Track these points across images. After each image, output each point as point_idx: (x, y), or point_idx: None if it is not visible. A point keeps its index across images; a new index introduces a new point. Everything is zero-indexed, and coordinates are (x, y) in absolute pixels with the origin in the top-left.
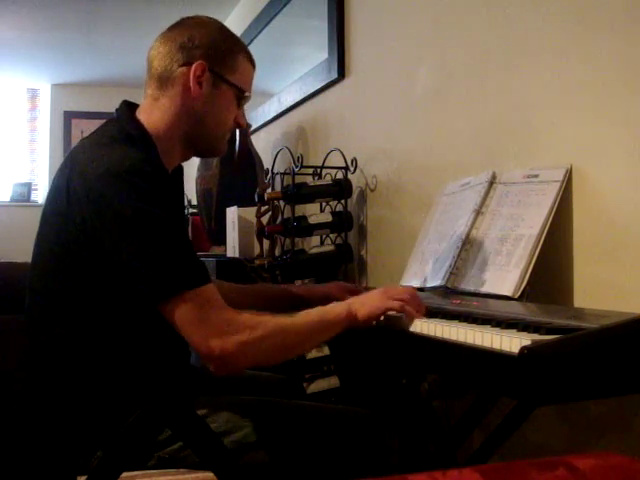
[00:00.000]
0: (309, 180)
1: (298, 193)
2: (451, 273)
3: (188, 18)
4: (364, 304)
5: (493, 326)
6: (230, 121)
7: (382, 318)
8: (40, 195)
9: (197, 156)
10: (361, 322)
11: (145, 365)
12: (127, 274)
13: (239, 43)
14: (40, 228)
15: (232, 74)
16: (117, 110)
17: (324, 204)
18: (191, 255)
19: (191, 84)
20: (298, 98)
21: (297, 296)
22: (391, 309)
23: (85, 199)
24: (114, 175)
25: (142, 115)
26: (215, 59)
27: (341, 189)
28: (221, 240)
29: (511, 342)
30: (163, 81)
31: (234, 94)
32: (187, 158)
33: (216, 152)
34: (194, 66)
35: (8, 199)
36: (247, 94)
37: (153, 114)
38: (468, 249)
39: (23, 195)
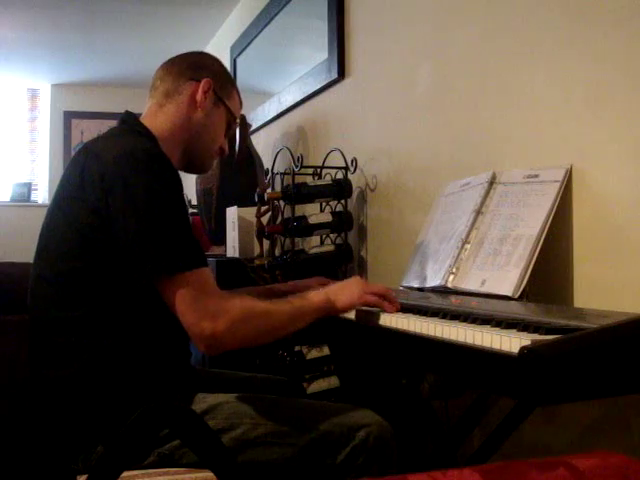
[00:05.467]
0: (309, 180)
1: (298, 193)
2: (451, 273)
3: (194, 51)
4: (344, 293)
5: (493, 326)
6: (220, 141)
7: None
8: (40, 195)
9: (186, 169)
10: (340, 310)
11: (146, 363)
12: (133, 249)
13: (234, 81)
14: (48, 218)
15: (229, 100)
16: (122, 116)
17: (324, 204)
18: (194, 239)
19: (198, 95)
20: (298, 98)
21: (282, 292)
22: (368, 303)
23: (99, 180)
24: (129, 155)
25: (146, 120)
26: (218, 83)
27: (341, 189)
28: (221, 240)
29: (511, 342)
30: (170, 93)
31: (227, 118)
32: (179, 168)
33: (203, 168)
34: (203, 81)
35: (8, 199)
36: (236, 122)
37: (158, 118)
38: (468, 249)
39: (23, 195)
